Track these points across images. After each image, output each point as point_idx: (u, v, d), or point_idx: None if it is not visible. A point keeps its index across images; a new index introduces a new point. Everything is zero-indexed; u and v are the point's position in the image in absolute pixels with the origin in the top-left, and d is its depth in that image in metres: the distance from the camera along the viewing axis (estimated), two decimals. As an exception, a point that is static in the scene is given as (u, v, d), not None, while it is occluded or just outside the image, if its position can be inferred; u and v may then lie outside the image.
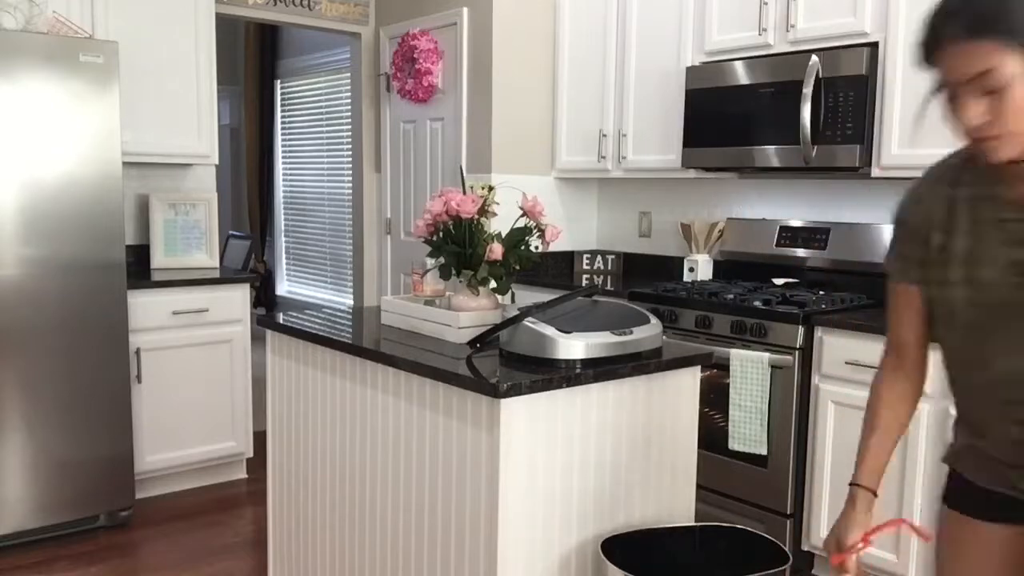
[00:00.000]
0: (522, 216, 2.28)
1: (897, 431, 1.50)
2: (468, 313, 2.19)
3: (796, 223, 3.53)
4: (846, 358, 2.82)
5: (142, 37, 3.72)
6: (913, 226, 1.42)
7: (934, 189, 1.40)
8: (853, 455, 2.82)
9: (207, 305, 3.73)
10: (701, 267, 3.78)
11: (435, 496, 1.98)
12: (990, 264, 1.32)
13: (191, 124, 3.88)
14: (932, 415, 2.63)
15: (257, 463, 4.07)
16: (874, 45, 3.00)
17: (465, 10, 4.19)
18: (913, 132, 2.91)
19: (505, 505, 1.80)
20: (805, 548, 2.99)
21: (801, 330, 2.91)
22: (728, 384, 3.07)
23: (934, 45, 1.21)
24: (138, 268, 3.92)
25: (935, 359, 2.45)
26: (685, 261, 3.82)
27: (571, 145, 4.19)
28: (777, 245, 3.56)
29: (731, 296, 3.20)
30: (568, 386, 1.85)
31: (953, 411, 2.59)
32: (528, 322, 1.95)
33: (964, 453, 1.45)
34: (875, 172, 3.01)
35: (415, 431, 2.02)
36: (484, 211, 2.21)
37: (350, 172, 6.39)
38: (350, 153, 6.41)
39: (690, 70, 3.52)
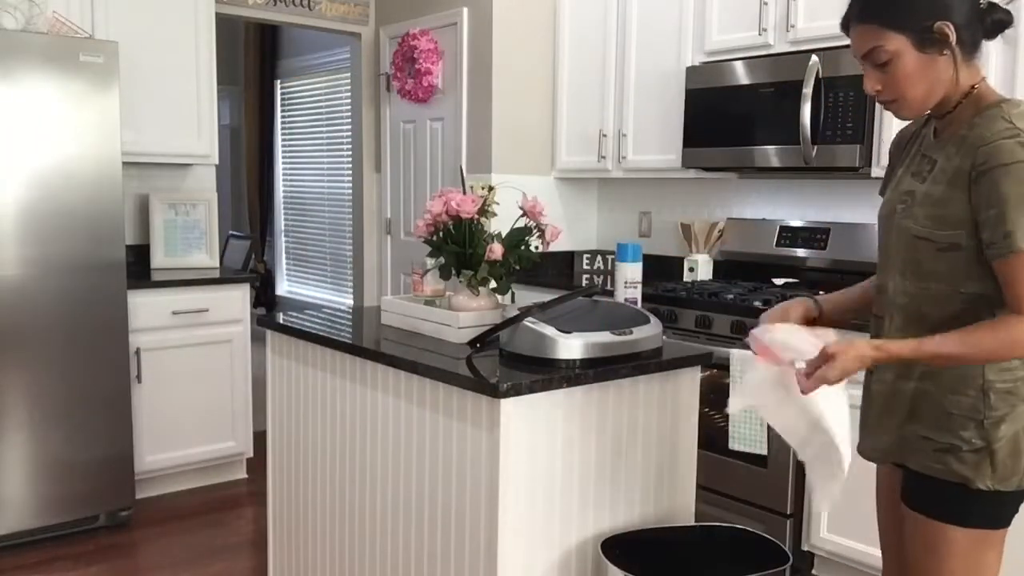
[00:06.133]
0: (522, 216, 2.28)
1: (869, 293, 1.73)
2: (468, 313, 2.19)
3: (796, 223, 3.53)
4: (846, 358, 2.82)
5: (142, 37, 3.72)
6: (890, 152, 1.72)
7: (911, 125, 1.68)
8: (853, 455, 2.82)
9: (207, 305, 3.73)
10: (701, 267, 3.78)
11: (435, 496, 1.98)
12: (894, 187, 1.60)
13: (191, 124, 3.88)
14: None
15: (257, 463, 4.06)
16: (874, 45, 3.00)
17: (465, 10, 4.19)
18: None
19: (505, 505, 1.80)
20: (805, 548, 2.99)
21: (801, 330, 2.90)
22: (728, 384, 3.07)
23: (845, 26, 1.53)
24: (138, 268, 3.92)
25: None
26: (685, 261, 3.82)
27: (571, 145, 4.19)
28: (777, 245, 3.56)
29: (731, 296, 3.20)
30: (568, 386, 1.85)
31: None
32: (528, 322, 1.95)
33: None
34: (875, 172, 3.01)
35: (415, 431, 2.02)
36: (484, 211, 2.21)
37: (350, 172, 6.39)
38: (350, 153, 6.41)
39: (690, 70, 3.52)
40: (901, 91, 1.48)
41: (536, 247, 2.27)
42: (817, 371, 1.44)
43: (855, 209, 3.42)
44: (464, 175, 2.56)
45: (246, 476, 3.99)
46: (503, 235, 2.25)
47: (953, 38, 1.43)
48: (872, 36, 1.46)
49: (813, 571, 3.04)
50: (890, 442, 1.59)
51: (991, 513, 1.49)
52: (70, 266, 3.20)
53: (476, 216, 2.19)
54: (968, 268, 1.45)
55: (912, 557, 1.57)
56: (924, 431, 1.52)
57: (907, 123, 1.70)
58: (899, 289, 1.56)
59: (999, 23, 1.48)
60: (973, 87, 1.49)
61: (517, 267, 2.24)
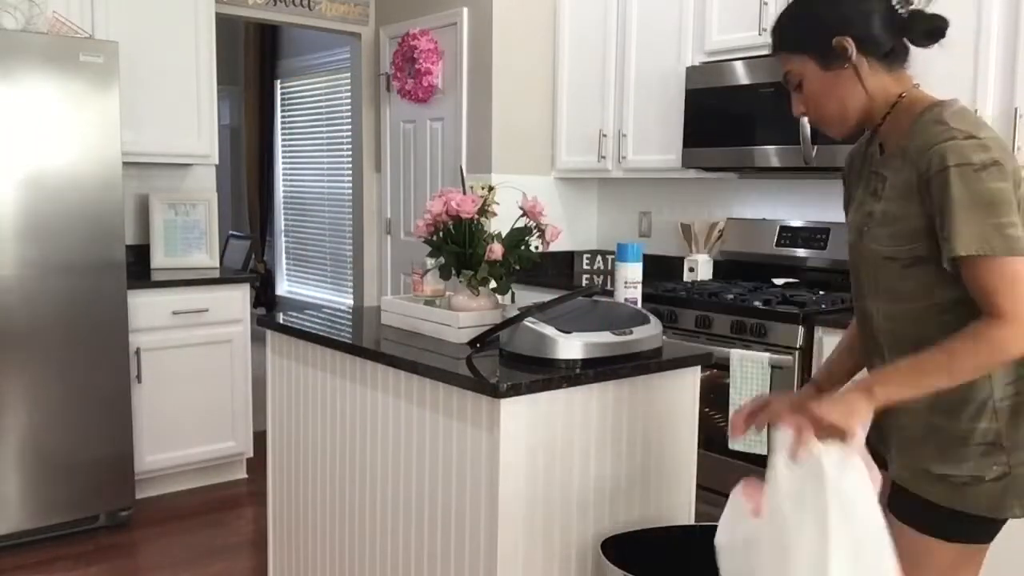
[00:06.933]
0: (522, 216, 2.28)
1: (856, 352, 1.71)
2: (468, 313, 2.19)
3: (796, 223, 3.53)
4: (846, 358, 2.82)
5: (142, 37, 3.72)
6: (844, 175, 1.71)
7: (859, 145, 1.66)
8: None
9: (207, 305, 3.73)
10: (701, 267, 3.78)
11: (435, 496, 1.98)
12: (856, 210, 1.58)
13: (191, 124, 3.88)
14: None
15: (257, 463, 4.06)
16: (874, 45, 3.00)
17: (465, 10, 4.19)
18: None
19: (505, 505, 1.80)
20: (805, 548, 2.99)
21: (801, 330, 2.90)
22: (728, 384, 3.07)
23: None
24: (138, 268, 3.92)
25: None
26: (685, 261, 3.82)
27: (571, 145, 4.19)
28: (777, 245, 3.56)
29: (731, 296, 3.20)
30: (568, 386, 1.85)
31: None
32: (528, 322, 1.95)
33: None
34: (875, 172, 3.01)
35: (415, 431, 2.02)
36: (484, 211, 2.21)
37: (350, 172, 6.39)
38: (350, 153, 6.41)
39: (690, 70, 3.52)
40: (817, 110, 1.51)
41: (536, 247, 2.27)
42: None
43: (855, 209, 3.42)
44: (464, 175, 2.56)
45: (246, 476, 3.99)
46: (503, 235, 2.25)
47: (852, 52, 1.43)
48: (783, 61, 1.52)
49: (813, 571, 3.04)
50: (899, 471, 1.49)
51: (984, 529, 1.44)
52: (70, 266, 3.20)
53: (476, 216, 2.18)
54: (938, 277, 1.41)
55: None
56: (940, 468, 1.43)
57: (854, 146, 1.68)
58: (883, 313, 1.51)
59: (932, 31, 1.43)
60: (901, 95, 1.47)
61: (517, 267, 2.24)
